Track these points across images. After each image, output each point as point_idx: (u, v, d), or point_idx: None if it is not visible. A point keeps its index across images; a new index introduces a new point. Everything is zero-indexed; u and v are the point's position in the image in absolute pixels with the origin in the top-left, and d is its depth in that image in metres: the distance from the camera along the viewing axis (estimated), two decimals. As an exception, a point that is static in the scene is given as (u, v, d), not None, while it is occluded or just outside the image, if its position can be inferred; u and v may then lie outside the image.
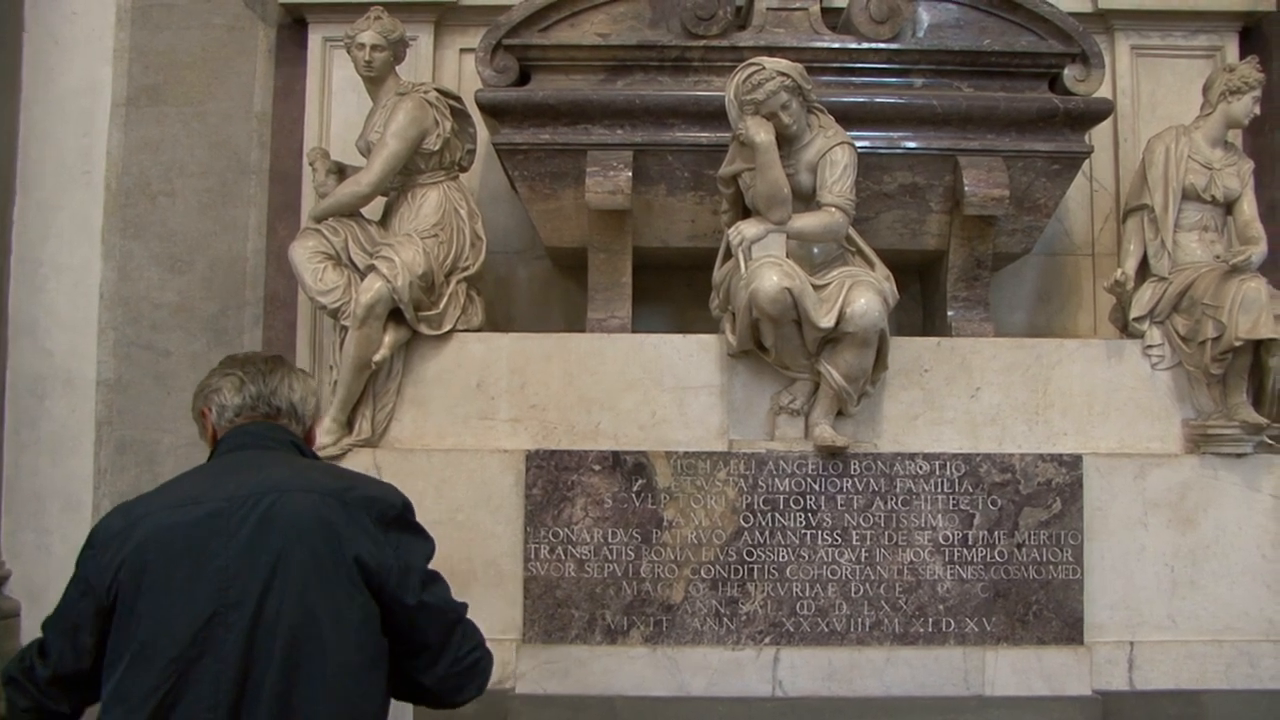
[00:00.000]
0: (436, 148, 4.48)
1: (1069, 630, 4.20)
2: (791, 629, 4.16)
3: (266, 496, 2.24)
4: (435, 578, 2.37)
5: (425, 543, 2.40)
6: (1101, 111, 4.67)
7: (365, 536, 2.26)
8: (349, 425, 4.37)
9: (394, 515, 2.34)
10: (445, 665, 2.35)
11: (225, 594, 2.16)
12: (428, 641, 2.33)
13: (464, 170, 4.69)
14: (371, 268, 4.32)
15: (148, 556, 2.20)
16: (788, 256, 4.12)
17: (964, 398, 4.38)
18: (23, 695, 2.33)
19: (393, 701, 2.38)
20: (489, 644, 2.49)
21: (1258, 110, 4.60)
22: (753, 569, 4.18)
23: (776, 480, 4.21)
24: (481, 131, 4.78)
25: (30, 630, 4.73)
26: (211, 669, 2.14)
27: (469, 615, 2.44)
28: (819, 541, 4.19)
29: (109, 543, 2.25)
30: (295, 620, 2.17)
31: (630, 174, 4.41)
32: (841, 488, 4.22)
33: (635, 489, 4.21)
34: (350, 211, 4.50)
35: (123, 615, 2.20)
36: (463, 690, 2.40)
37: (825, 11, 4.70)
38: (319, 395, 2.62)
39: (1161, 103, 5.19)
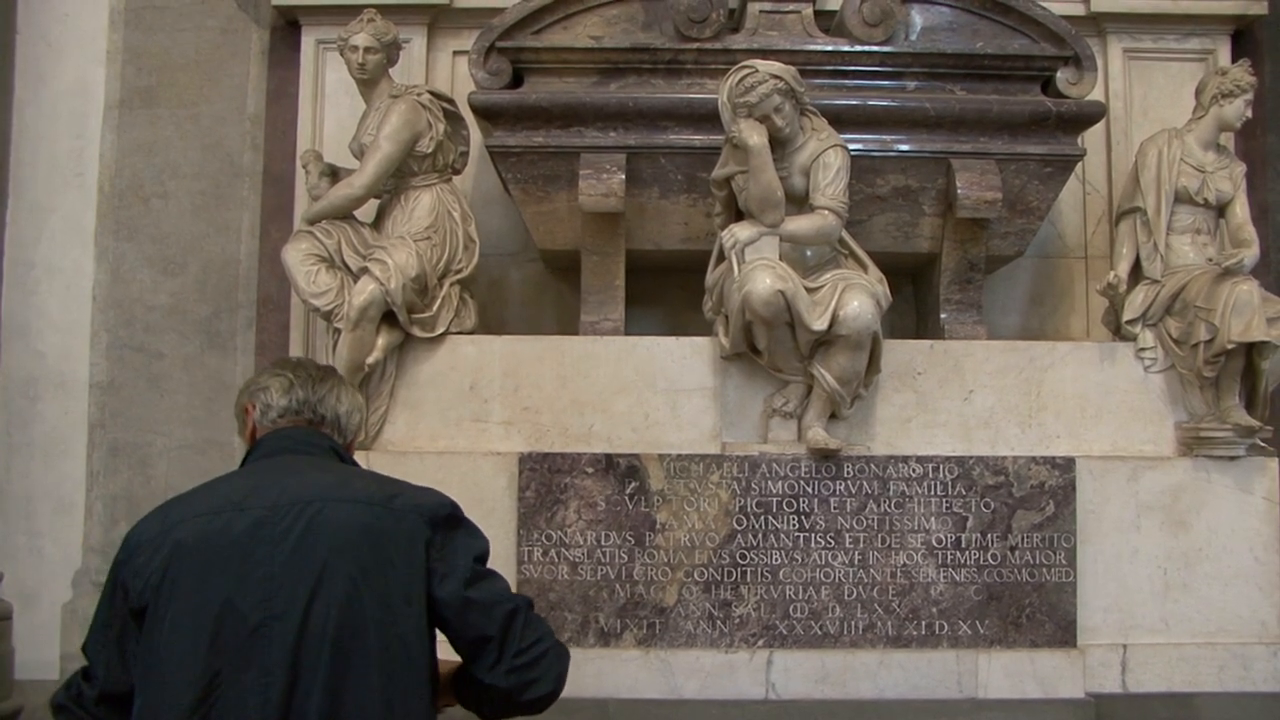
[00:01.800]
0: (429, 150, 4.48)
1: (1062, 633, 4.20)
2: (785, 631, 4.16)
3: (311, 505, 2.17)
4: (487, 574, 2.27)
5: (477, 540, 2.30)
6: (1094, 114, 4.68)
7: (415, 544, 2.20)
8: (342, 428, 4.36)
9: (443, 515, 2.26)
10: (508, 660, 2.22)
11: (271, 605, 2.09)
12: (486, 635, 2.22)
13: (457, 173, 4.68)
14: (364, 270, 4.31)
15: (185, 563, 2.13)
16: (781, 259, 4.12)
17: (957, 400, 4.39)
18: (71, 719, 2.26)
19: None
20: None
21: (1249, 113, 4.61)
22: (746, 572, 4.18)
23: (769, 483, 4.21)
24: (475, 134, 4.77)
25: (22, 633, 4.72)
26: (257, 681, 2.06)
27: (526, 603, 2.35)
28: (812, 544, 4.19)
29: (144, 546, 2.18)
30: (341, 631, 2.10)
31: (623, 176, 4.41)
32: (834, 490, 4.22)
33: (628, 492, 4.20)
34: (343, 214, 4.50)
35: (155, 623, 2.13)
36: (533, 685, 2.25)
37: (818, 14, 4.71)
38: (364, 414, 2.56)
39: (1154, 106, 5.19)
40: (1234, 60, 5.00)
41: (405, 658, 2.16)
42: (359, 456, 4.16)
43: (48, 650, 4.86)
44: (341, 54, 4.56)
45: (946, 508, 4.23)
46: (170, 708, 2.08)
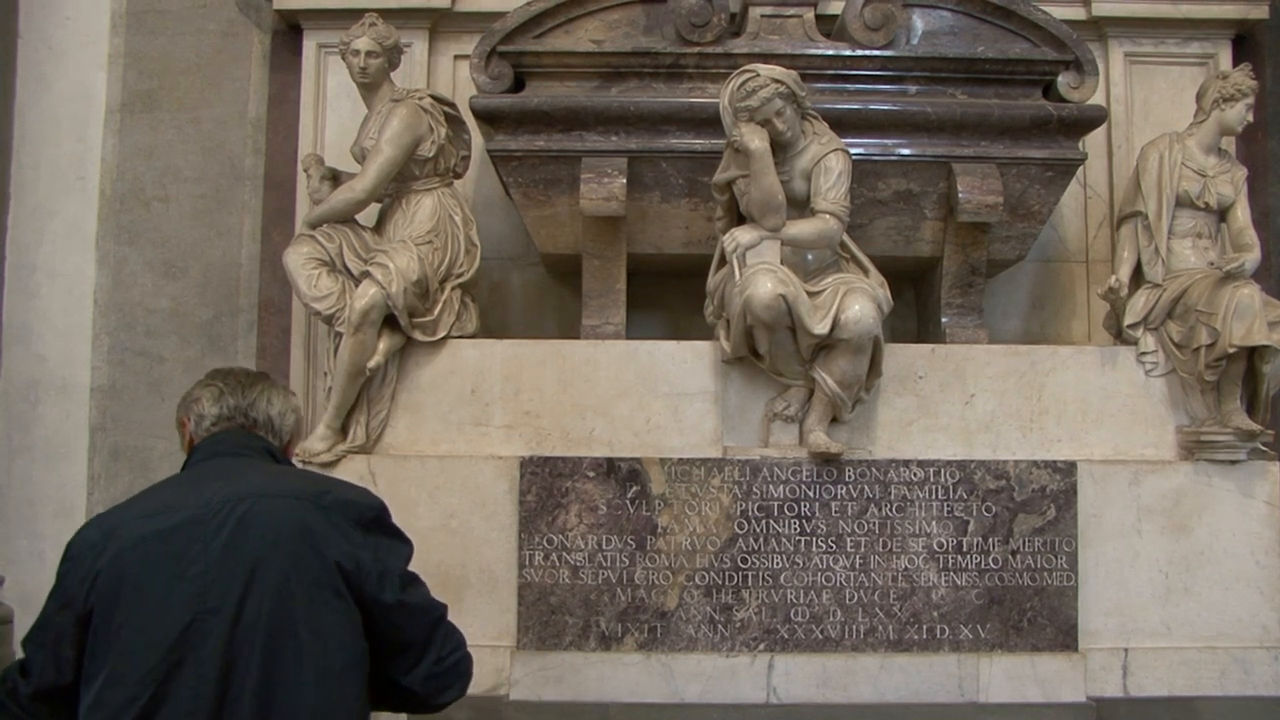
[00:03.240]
0: (431, 154, 4.48)
1: (1063, 637, 4.20)
2: (786, 636, 4.16)
3: (243, 502, 2.24)
4: (414, 579, 2.38)
5: (403, 544, 2.40)
6: (1095, 118, 4.68)
7: (343, 540, 2.27)
8: (343, 432, 4.37)
9: (371, 517, 2.35)
10: (427, 666, 2.35)
11: (204, 599, 2.17)
12: (409, 641, 2.33)
13: (458, 177, 4.68)
14: (366, 274, 4.31)
15: (124, 567, 2.20)
16: (782, 263, 4.12)
17: (958, 404, 4.38)
18: (6, 715, 2.32)
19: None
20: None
21: (1250, 117, 4.61)
22: (747, 576, 4.18)
23: (771, 487, 4.21)
24: (476, 138, 4.78)
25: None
26: (192, 675, 2.13)
27: (459, 621, 2.43)
28: (813, 548, 4.19)
29: (85, 554, 2.25)
30: (274, 625, 2.17)
31: (625, 180, 4.41)
32: (836, 494, 4.22)
33: (629, 496, 4.20)
34: (345, 218, 4.50)
35: (100, 626, 2.20)
36: (446, 691, 2.39)
37: (819, 18, 4.71)
38: (300, 415, 2.63)
39: (1155, 110, 5.19)
40: (1235, 64, 5.01)
41: (338, 651, 2.23)
42: (360, 461, 4.26)
43: (48, 654, 4.85)
44: (343, 58, 4.56)
45: (948, 512, 4.23)
46: (113, 703, 2.15)
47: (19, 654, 4.77)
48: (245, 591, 2.17)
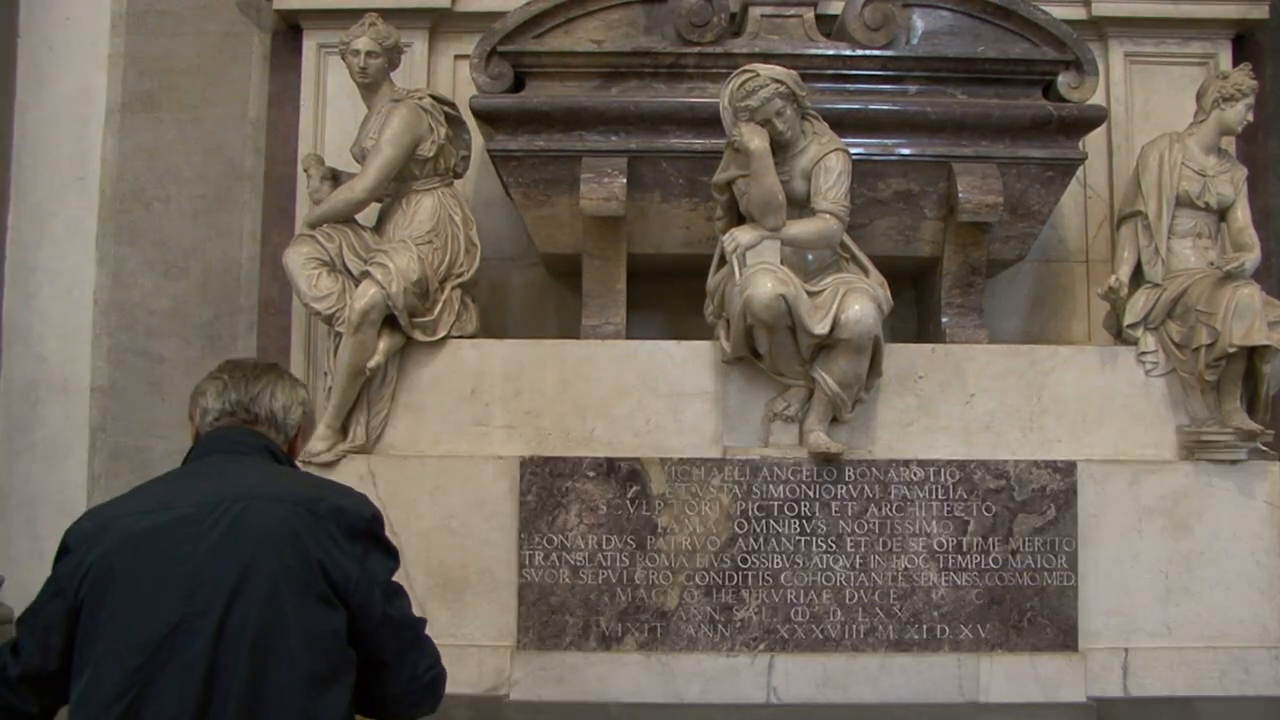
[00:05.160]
0: (431, 154, 4.48)
1: (1063, 637, 4.20)
2: (786, 635, 4.16)
3: (236, 504, 2.23)
4: (398, 591, 2.37)
5: (390, 558, 2.38)
6: (1095, 118, 4.68)
7: (333, 547, 2.25)
8: (343, 432, 4.36)
9: (363, 528, 2.33)
10: (404, 681, 2.35)
11: (192, 600, 2.15)
12: (386, 656, 2.32)
13: (458, 177, 4.69)
14: (366, 274, 4.31)
15: (115, 560, 2.19)
16: (782, 263, 4.12)
17: (958, 404, 4.38)
18: None
19: None
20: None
21: (1251, 117, 4.61)
22: (747, 575, 4.18)
23: (771, 487, 4.21)
24: (476, 138, 4.78)
25: (23, 637, 4.72)
26: (177, 676, 2.12)
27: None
28: (813, 548, 4.19)
29: (79, 545, 2.25)
30: (262, 629, 2.15)
31: (625, 180, 4.41)
32: (836, 494, 4.22)
33: (629, 496, 4.20)
34: (345, 218, 4.50)
35: (88, 619, 2.19)
36: (418, 706, 2.40)
37: (819, 18, 4.71)
38: (309, 407, 2.60)
39: (1155, 110, 5.19)
40: (1235, 64, 5.01)
41: (325, 658, 2.21)
42: (361, 461, 4.26)
43: (49, 654, 4.85)
44: (343, 58, 4.56)
45: (948, 511, 4.22)
46: (95, 700, 2.14)
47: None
48: (234, 594, 2.15)
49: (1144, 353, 4.49)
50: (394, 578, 2.37)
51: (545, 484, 4.21)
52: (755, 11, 4.66)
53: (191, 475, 2.38)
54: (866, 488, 4.22)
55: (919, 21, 4.68)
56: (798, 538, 4.19)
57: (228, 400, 2.48)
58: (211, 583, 2.16)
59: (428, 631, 2.44)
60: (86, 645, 2.18)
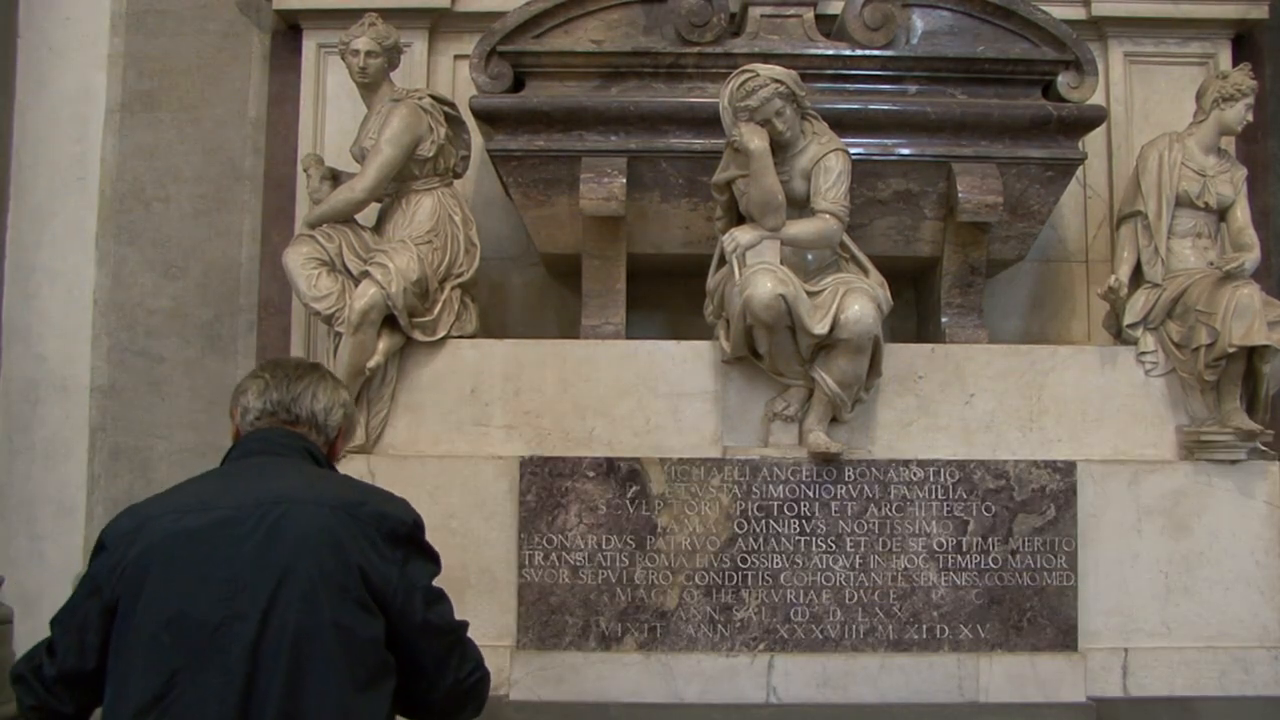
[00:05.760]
0: (431, 154, 4.48)
1: (1063, 637, 4.20)
2: (786, 635, 4.16)
3: (277, 506, 2.21)
4: (439, 596, 2.34)
5: (432, 564, 2.37)
6: (1095, 118, 4.68)
7: (373, 553, 2.23)
8: (343, 432, 4.36)
9: (404, 533, 2.31)
10: (447, 685, 2.33)
11: (231, 604, 2.13)
12: (428, 662, 2.30)
13: (458, 176, 4.68)
14: (366, 274, 4.31)
15: (152, 561, 2.18)
16: (782, 263, 4.12)
17: (958, 404, 4.38)
18: (29, 693, 2.29)
19: None
20: (484, 650, 2.48)
21: (1250, 117, 4.61)
22: (747, 575, 4.18)
23: (770, 487, 4.21)
24: (476, 138, 4.78)
25: (23, 637, 4.71)
26: (216, 680, 2.10)
27: (465, 629, 2.42)
28: (813, 548, 4.19)
29: (117, 543, 2.23)
30: (301, 633, 2.13)
31: (624, 180, 4.41)
32: (835, 494, 4.21)
33: (629, 495, 4.20)
34: (344, 218, 4.50)
35: (123, 618, 2.17)
36: (462, 710, 2.39)
37: (819, 18, 4.71)
38: (350, 409, 2.58)
39: (1155, 110, 5.19)
40: (1235, 64, 5.00)
41: (364, 663, 2.20)
42: (360, 460, 4.25)
43: (49, 654, 4.86)
44: (343, 58, 4.56)
45: (947, 511, 4.22)
46: (131, 702, 2.12)
47: (18, 654, 4.77)
48: (273, 598, 2.14)
49: (1144, 353, 4.49)
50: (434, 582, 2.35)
51: (545, 484, 4.21)
52: (755, 11, 4.66)
53: (231, 475, 2.36)
54: (866, 488, 4.22)
55: (919, 21, 4.68)
56: (797, 538, 4.19)
57: (269, 400, 2.46)
58: (252, 586, 2.14)
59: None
60: (122, 645, 2.17)
